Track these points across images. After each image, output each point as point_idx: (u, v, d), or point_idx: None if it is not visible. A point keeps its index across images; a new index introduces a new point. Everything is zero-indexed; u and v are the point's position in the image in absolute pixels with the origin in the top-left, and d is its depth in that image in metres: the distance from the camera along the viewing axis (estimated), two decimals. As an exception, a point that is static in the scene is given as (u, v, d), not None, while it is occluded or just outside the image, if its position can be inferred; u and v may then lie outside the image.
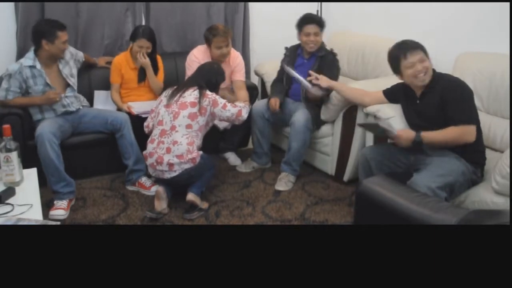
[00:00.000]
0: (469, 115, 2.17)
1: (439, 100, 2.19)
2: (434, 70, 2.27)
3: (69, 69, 2.84)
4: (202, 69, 2.78)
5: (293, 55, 3.10)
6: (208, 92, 2.61)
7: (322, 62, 2.98)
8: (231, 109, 2.64)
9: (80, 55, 3.01)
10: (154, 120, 2.69)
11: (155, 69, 3.15)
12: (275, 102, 3.00)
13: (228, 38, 3.04)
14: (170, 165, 2.52)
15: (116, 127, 2.83)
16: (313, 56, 3.03)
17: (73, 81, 2.86)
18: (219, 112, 2.62)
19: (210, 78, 2.71)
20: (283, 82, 3.13)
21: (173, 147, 2.52)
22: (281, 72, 3.16)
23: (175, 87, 2.71)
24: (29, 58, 2.66)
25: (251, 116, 3.07)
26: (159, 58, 3.20)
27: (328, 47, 3.06)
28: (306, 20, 2.97)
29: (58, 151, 2.58)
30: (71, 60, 2.88)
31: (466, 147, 2.17)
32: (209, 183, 2.82)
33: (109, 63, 3.17)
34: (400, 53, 2.24)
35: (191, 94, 2.59)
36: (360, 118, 2.76)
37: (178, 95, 2.61)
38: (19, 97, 2.68)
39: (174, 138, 2.53)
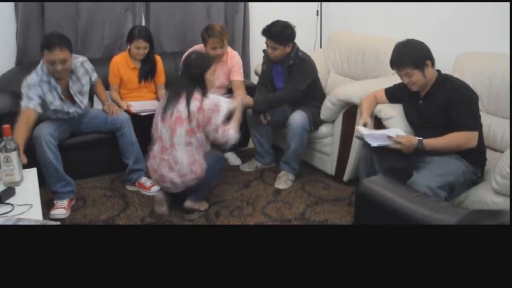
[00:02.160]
0: (475, 121, 2.18)
1: (445, 102, 2.19)
2: (439, 72, 2.27)
3: (80, 86, 2.70)
4: (184, 65, 2.54)
5: (270, 61, 3.05)
6: (204, 106, 2.39)
7: (291, 70, 2.93)
8: (220, 135, 2.47)
9: (95, 76, 2.88)
10: (155, 132, 2.58)
11: (154, 70, 3.15)
12: (262, 114, 2.96)
13: (224, 40, 3.00)
14: (174, 183, 2.50)
15: (116, 126, 2.82)
16: (283, 64, 2.99)
17: (80, 99, 2.70)
18: (209, 130, 2.45)
19: (195, 72, 2.46)
20: (267, 86, 3.12)
21: (175, 166, 2.45)
22: (264, 75, 3.15)
23: (168, 94, 2.54)
24: (44, 73, 2.53)
25: (247, 118, 3.06)
26: (158, 58, 3.19)
27: (299, 55, 2.93)
28: (263, 31, 2.88)
29: (56, 152, 2.56)
30: (85, 76, 2.73)
31: (467, 148, 2.17)
32: (213, 184, 2.81)
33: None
34: (390, 63, 2.28)
35: (185, 107, 2.40)
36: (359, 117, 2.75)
37: (172, 106, 2.44)
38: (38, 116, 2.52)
39: (175, 158, 2.44)
